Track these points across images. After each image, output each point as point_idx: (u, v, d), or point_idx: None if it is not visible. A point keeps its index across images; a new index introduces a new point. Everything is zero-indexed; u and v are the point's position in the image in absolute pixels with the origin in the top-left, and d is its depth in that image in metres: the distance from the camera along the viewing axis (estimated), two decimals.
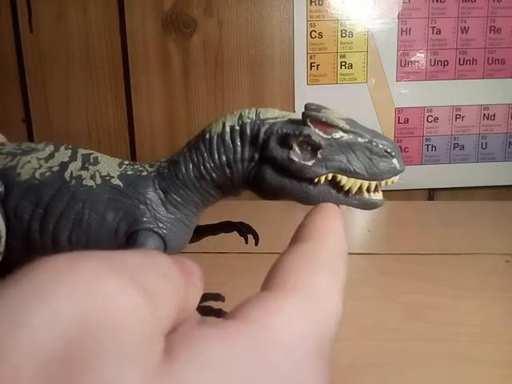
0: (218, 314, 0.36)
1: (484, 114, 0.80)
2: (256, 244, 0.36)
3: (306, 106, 0.27)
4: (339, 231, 0.21)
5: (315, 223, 0.21)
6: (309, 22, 0.76)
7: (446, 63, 0.78)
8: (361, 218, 0.70)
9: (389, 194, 0.27)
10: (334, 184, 0.26)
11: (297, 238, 0.21)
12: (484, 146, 0.81)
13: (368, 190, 0.26)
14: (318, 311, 0.16)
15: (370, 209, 0.26)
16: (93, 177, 0.29)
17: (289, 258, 0.19)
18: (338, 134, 0.25)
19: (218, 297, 0.38)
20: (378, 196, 0.26)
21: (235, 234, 0.36)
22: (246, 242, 0.36)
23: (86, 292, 0.11)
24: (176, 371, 0.12)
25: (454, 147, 0.81)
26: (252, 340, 0.14)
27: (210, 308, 0.36)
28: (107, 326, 0.11)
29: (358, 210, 0.27)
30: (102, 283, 0.12)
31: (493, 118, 0.80)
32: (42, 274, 0.12)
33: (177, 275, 0.14)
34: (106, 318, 0.11)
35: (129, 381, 0.11)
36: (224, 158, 0.28)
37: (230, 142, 0.28)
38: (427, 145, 0.80)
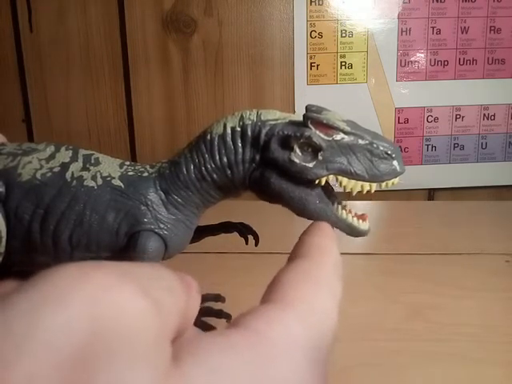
0: (219, 314, 0.36)
1: (484, 114, 0.80)
2: (256, 244, 0.36)
3: (307, 108, 0.27)
4: (335, 251, 0.22)
5: (313, 241, 0.23)
6: (309, 22, 0.76)
7: (446, 63, 0.78)
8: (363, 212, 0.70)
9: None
10: (332, 199, 0.27)
11: (295, 255, 0.22)
12: (484, 146, 0.81)
13: (368, 193, 0.26)
14: (316, 324, 0.17)
15: (355, 236, 0.27)
16: (94, 177, 0.29)
17: (288, 272, 0.20)
18: (339, 136, 0.25)
19: (218, 297, 0.38)
20: (365, 226, 0.27)
21: (235, 234, 0.36)
22: (247, 243, 0.36)
23: (97, 299, 0.12)
24: (185, 376, 0.12)
25: (454, 147, 0.81)
26: (255, 349, 0.15)
27: (211, 308, 0.36)
28: (118, 331, 0.12)
29: (357, 210, 0.28)
30: (113, 291, 0.12)
31: (493, 118, 0.80)
32: (56, 282, 0.12)
33: (179, 288, 0.15)
34: (116, 323, 0.12)
35: (140, 383, 0.11)
36: (225, 159, 0.28)
37: (230, 143, 0.28)
38: (427, 145, 0.80)
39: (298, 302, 0.18)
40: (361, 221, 0.27)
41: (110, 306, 0.12)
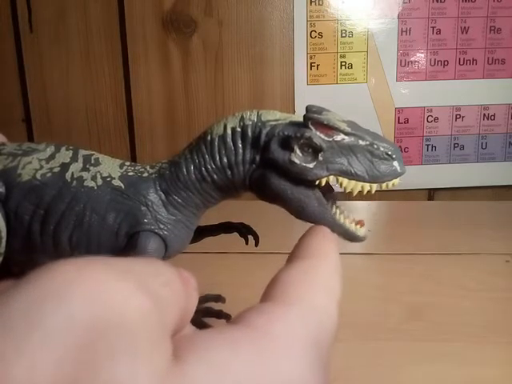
0: (219, 315, 0.37)
1: (484, 114, 0.80)
2: (256, 245, 0.36)
3: (308, 108, 0.27)
4: (335, 253, 0.22)
5: (313, 243, 0.23)
6: (309, 22, 0.76)
7: (446, 63, 0.78)
8: (360, 218, 0.70)
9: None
10: (331, 202, 0.27)
11: (295, 256, 0.22)
12: (484, 146, 0.81)
13: (368, 193, 0.26)
14: (317, 322, 0.17)
15: (351, 241, 0.27)
16: (94, 178, 0.29)
17: (288, 272, 0.20)
18: (340, 137, 0.25)
19: (218, 298, 0.38)
20: (362, 232, 0.27)
21: (236, 234, 0.36)
22: (247, 243, 0.36)
23: (96, 296, 0.12)
24: (186, 373, 0.12)
25: (454, 147, 0.81)
26: (256, 345, 0.15)
27: (211, 309, 0.36)
28: (118, 328, 0.12)
29: (355, 213, 0.28)
30: (112, 288, 0.12)
31: (493, 118, 0.80)
32: (54, 279, 0.12)
33: (178, 284, 0.15)
34: (116, 320, 0.12)
35: (141, 381, 0.11)
36: (225, 160, 0.28)
37: (231, 143, 0.28)
38: (427, 145, 0.80)
39: (299, 300, 0.18)
40: (358, 226, 0.27)
41: (109, 303, 0.12)
